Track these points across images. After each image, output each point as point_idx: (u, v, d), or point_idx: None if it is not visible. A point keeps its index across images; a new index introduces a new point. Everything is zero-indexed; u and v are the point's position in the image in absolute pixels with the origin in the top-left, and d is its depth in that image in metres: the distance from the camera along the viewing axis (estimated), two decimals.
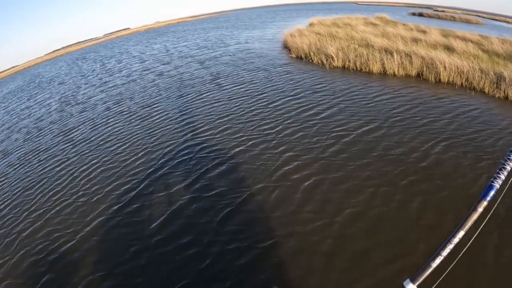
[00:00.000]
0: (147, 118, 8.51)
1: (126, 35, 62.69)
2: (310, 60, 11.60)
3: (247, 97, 8.54)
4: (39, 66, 39.30)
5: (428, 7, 60.05)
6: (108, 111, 10.04)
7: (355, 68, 9.96)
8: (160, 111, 8.90)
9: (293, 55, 12.70)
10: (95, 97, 12.50)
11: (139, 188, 5.15)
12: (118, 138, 7.52)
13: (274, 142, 5.92)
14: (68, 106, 12.09)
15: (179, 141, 6.63)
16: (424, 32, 15.55)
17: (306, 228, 3.75)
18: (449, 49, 11.04)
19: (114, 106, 10.51)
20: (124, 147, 6.93)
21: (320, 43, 12.94)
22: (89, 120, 9.55)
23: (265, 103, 7.95)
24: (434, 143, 5.23)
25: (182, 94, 10.16)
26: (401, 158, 4.90)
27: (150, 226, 4.25)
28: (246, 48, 16.73)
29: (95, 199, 5.12)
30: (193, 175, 5.25)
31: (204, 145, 6.25)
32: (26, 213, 5.20)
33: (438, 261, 0.74)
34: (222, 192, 4.68)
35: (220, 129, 6.85)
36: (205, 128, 7.06)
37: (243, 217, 4.11)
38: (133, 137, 7.34)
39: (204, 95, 9.58)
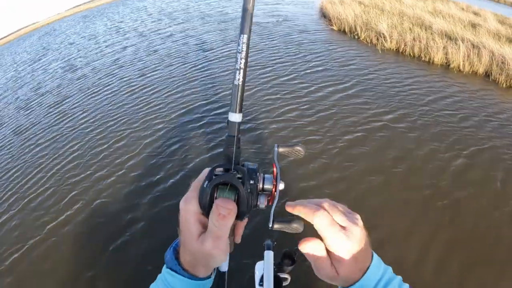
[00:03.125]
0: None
1: None
2: (356, 37, 10.13)
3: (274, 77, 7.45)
4: (56, 23, 35.38)
5: None
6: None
7: (412, 54, 8.61)
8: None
9: (335, 27, 11.13)
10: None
11: None
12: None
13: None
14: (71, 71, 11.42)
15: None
16: (477, 14, 13.65)
17: None
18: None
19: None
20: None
21: (366, 16, 11.30)
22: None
23: (302, 89, 6.86)
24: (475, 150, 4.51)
25: (196, 66, 8.98)
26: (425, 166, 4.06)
27: None
28: (275, 10, 14.83)
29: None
30: None
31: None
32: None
33: None
34: None
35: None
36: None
37: None
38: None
39: (222, 73, 8.25)
